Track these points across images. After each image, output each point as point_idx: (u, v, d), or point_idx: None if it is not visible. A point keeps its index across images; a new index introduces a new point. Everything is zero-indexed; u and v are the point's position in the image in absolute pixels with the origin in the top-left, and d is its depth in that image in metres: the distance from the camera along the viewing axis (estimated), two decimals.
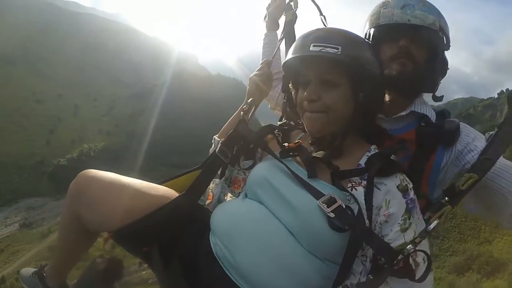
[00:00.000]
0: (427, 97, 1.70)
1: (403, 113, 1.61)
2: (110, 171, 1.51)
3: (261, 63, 1.90)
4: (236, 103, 1.80)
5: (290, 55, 1.44)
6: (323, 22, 2.08)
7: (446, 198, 1.26)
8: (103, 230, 1.52)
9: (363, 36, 1.69)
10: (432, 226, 1.20)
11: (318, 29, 1.44)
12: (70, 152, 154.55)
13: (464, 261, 38.74)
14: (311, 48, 1.33)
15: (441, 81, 1.68)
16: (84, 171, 1.54)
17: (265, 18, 2.30)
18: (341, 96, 1.35)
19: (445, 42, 1.61)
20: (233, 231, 1.32)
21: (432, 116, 1.61)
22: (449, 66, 1.67)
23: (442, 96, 1.70)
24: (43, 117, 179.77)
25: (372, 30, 1.64)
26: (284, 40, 2.05)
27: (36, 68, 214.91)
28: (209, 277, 1.32)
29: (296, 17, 2.12)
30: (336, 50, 1.30)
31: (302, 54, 1.37)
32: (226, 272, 1.27)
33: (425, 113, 1.60)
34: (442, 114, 1.66)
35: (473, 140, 1.53)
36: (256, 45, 2.24)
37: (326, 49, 1.31)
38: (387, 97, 1.61)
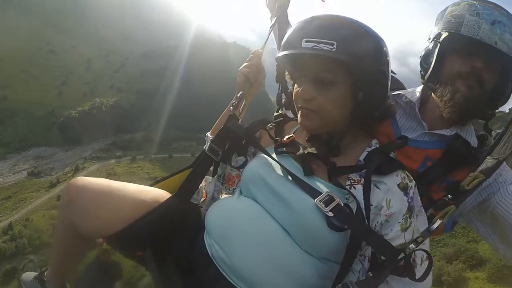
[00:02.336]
0: None
1: (447, 133, 1.49)
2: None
3: (251, 54, 1.78)
4: None
5: (281, 50, 1.31)
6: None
7: (450, 196, 1.21)
8: (97, 236, 1.51)
9: (428, 33, 1.55)
10: (435, 225, 1.15)
11: (313, 18, 1.26)
12: (81, 105, 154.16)
13: (453, 253, 43.21)
14: (303, 45, 1.20)
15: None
16: (74, 179, 1.51)
17: (266, 2, 2.27)
18: (338, 96, 1.24)
19: None
20: (228, 231, 1.29)
21: (474, 144, 1.50)
22: None
23: (493, 131, 1.55)
24: (56, 67, 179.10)
25: (446, 34, 1.46)
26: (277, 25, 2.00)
27: (50, 18, 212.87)
28: (205, 278, 1.29)
29: (288, 1, 2.07)
30: (331, 47, 1.16)
31: (292, 51, 1.25)
32: (222, 272, 1.24)
33: (468, 140, 1.48)
34: (482, 140, 1.55)
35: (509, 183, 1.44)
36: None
37: (319, 45, 1.17)
38: (438, 108, 1.50)
